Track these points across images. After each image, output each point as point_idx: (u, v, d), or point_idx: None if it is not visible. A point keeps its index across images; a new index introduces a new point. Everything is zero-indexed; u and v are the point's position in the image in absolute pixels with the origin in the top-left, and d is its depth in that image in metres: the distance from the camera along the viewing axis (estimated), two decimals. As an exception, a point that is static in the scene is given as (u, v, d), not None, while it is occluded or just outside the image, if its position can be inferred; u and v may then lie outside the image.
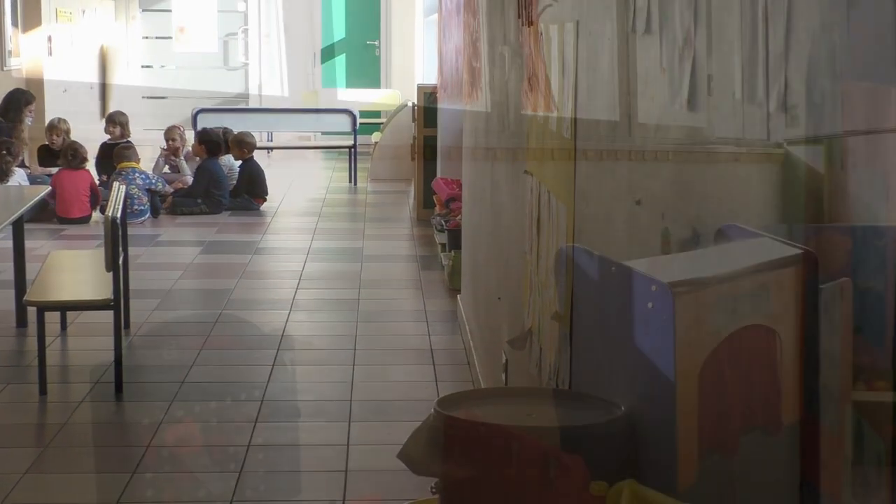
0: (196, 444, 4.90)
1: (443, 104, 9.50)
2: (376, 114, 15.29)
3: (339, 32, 16.64)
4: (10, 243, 6.60)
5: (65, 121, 11.06)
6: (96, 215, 9.81)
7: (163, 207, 10.36)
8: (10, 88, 11.47)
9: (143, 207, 9.99)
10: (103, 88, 15.65)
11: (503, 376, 4.34)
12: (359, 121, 13.20)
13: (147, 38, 16.45)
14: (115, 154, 10.35)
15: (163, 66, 16.54)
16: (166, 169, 11.12)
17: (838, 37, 1.52)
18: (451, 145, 9.25)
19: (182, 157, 11.21)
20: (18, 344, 6.25)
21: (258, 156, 11.36)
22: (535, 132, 3.72)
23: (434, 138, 10.34)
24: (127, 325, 6.26)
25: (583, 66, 2.90)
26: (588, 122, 2.89)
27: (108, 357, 5.57)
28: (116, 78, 15.81)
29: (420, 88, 10.98)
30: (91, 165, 10.52)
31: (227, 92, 16.40)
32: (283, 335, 6.40)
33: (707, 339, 1.87)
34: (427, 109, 10.47)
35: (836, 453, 1.60)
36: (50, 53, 13.60)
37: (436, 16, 10.57)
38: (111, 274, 5.37)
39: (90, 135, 11.63)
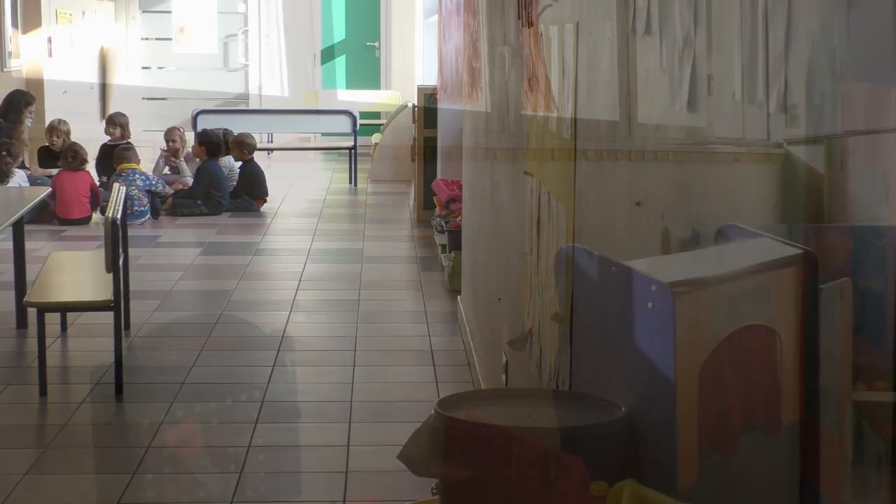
0: (196, 445, 4.90)
1: (443, 104, 9.51)
2: (376, 115, 15.29)
3: (339, 34, 16.64)
4: (10, 244, 6.61)
5: (65, 122, 11.06)
6: (96, 216, 9.81)
7: (163, 209, 10.36)
8: (11, 89, 11.47)
9: (143, 209, 9.99)
10: (103, 89, 15.66)
11: (503, 377, 4.34)
12: (359, 122, 13.20)
13: (147, 39, 16.46)
14: (115, 155, 10.35)
15: (161, 68, 16.54)
16: (166, 170, 11.12)
17: (838, 37, 1.53)
18: (451, 146, 9.25)
19: (182, 159, 11.21)
20: (19, 345, 6.25)
21: (258, 157, 11.36)
22: (535, 133, 3.72)
23: (434, 139, 10.34)
24: (127, 327, 6.26)
25: (583, 67, 2.90)
26: (588, 122, 2.89)
27: (108, 358, 5.57)
28: (116, 79, 15.81)
29: (420, 90, 10.98)
30: (91, 167, 10.52)
31: (227, 93, 16.41)
32: (283, 336, 6.40)
33: (707, 339, 1.87)
34: (427, 111, 10.47)
35: (836, 453, 1.60)
36: (50, 55, 13.60)
37: (436, 17, 10.57)
38: (111, 275, 5.37)
39: (90, 136, 11.63)
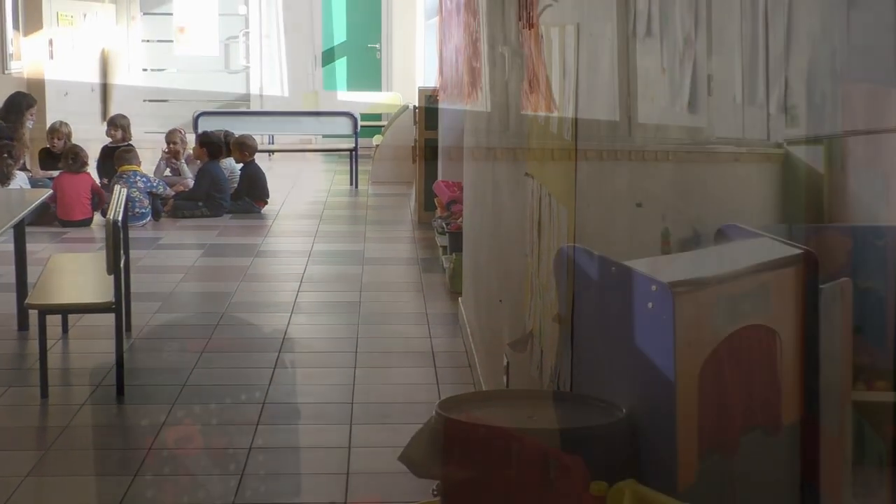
0: (197, 446, 4.90)
1: (443, 105, 9.51)
2: (377, 116, 15.29)
3: (339, 36, 16.65)
4: (11, 246, 6.61)
5: (66, 124, 11.07)
6: (97, 218, 9.82)
7: (164, 210, 10.36)
8: (12, 91, 11.48)
9: (144, 210, 9.99)
10: (104, 91, 15.67)
11: (504, 379, 4.34)
12: (360, 123, 13.21)
13: (148, 41, 16.46)
14: (116, 157, 10.35)
15: (162, 70, 16.54)
16: (167, 172, 11.12)
17: (838, 37, 1.53)
18: (451, 146, 9.25)
19: (183, 161, 11.21)
20: (20, 347, 6.25)
21: (259, 159, 11.36)
22: (536, 133, 3.72)
23: (435, 141, 10.34)
24: (128, 328, 6.26)
25: (584, 68, 2.90)
26: (589, 123, 2.89)
27: (109, 360, 5.57)
28: (117, 81, 15.82)
29: (421, 91, 10.98)
30: (92, 168, 10.53)
31: (228, 95, 16.42)
32: (284, 338, 6.40)
33: (707, 339, 1.87)
34: (428, 112, 10.47)
35: (836, 453, 1.60)
36: (51, 56, 13.62)
37: (436, 19, 10.57)
38: (112, 277, 5.37)
39: (91, 137, 11.63)
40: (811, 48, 1.60)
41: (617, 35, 2.55)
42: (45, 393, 5.29)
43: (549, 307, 3.25)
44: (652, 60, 2.27)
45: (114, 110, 13.92)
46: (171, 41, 16.18)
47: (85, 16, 14.90)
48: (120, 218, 5.59)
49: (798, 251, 1.68)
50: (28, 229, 6.92)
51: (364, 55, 16.63)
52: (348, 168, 12.97)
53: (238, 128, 11.74)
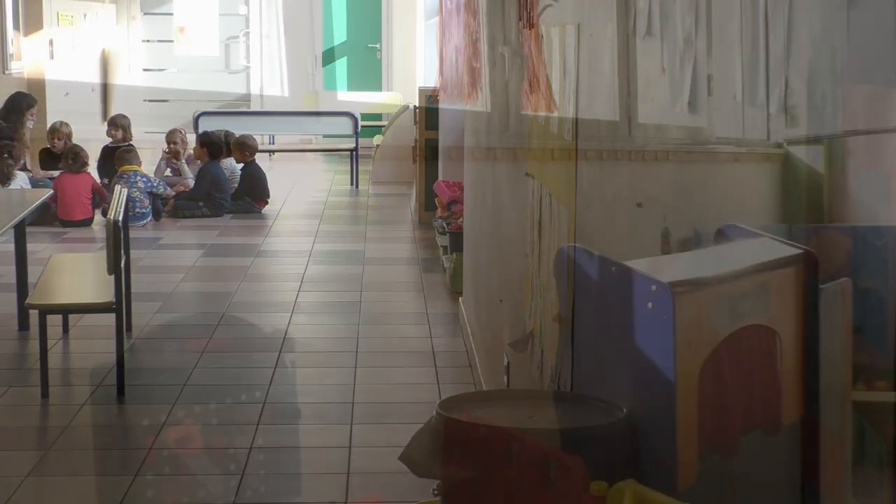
0: (198, 446, 4.90)
1: (443, 105, 9.51)
2: (377, 116, 15.29)
3: (340, 36, 16.65)
4: (11, 246, 6.61)
5: (66, 124, 11.07)
6: (98, 218, 9.82)
7: (164, 210, 10.36)
8: (12, 91, 11.48)
9: (144, 210, 9.99)
10: (105, 91, 15.68)
11: (505, 378, 4.34)
12: (360, 123, 13.21)
13: (148, 41, 16.47)
14: (116, 157, 10.35)
15: (163, 70, 16.55)
16: (168, 172, 11.13)
17: (838, 38, 1.53)
18: (452, 146, 9.25)
19: (183, 161, 11.22)
20: (20, 347, 6.25)
21: (260, 159, 11.37)
22: (537, 133, 3.72)
23: (435, 141, 10.34)
24: (129, 328, 6.26)
25: (584, 68, 2.90)
26: (589, 123, 2.89)
27: (109, 360, 5.57)
28: (118, 81, 15.83)
29: (421, 91, 10.98)
30: (93, 168, 10.53)
31: (228, 95, 16.42)
32: (284, 338, 6.40)
33: (707, 339, 1.87)
34: (428, 112, 10.47)
35: (837, 453, 1.60)
36: (51, 56, 13.62)
37: (437, 19, 10.57)
38: (113, 277, 5.37)
39: (92, 138, 11.64)
40: (811, 48, 1.60)
41: (617, 35, 2.55)
42: (45, 393, 5.29)
43: (549, 307, 3.25)
44: (652, 60, 2.27)
45: (114, 110, 13.93)
46: (172, 41, 16.18)
47: (85, 16, 14.90)
48: (120, 218, 5.59)
49: (798, 251, 1.68)
50: (28, 229, 6.92)
51: (364, 55, 16.64)
52: (349, 168, 12.97)
53: (238, 128, 11.74)
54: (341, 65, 16.71)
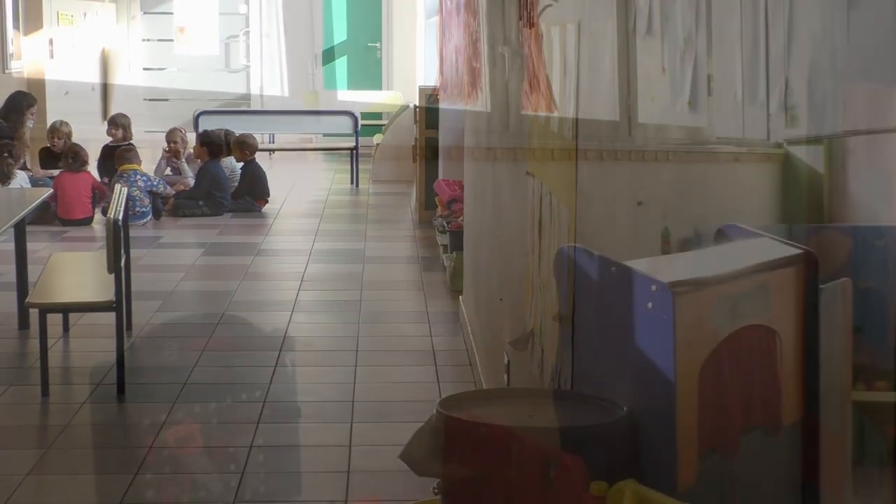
0: (198, 445, 4.90)
1: (443, 104, 9.51)
2: (378, 115, 15.29)
3: (340, 35, 16.64)
4: (11, 245, 6.61)
5: (66, 123, 11.07)
6: (98, 217, 9.82)
7: (164, 209, 10.37)
8: (12, 91, 11.48)
9: (144, 209, 10.00)
10: (105, 90, 15.67)
11: (505, 377, 4.34)
12: (360, 122, 13.20)
13: (148, 40, 16.47)
14: (116, 156, 10.35)
15: (163, 69, 16.55)
16: (168, 171, 11.13)
17: (839, 37, 1.53)
18: (452, 146, 9.25)
19: (184, 160, 11.22)
20: (20, 346, 6.25)
21: (260, 157, 11.37)
22: (537, 133, 3.72)
23: (435, 140, 10.34)
24: (129, 327, 6.27)
25: (584, 67, 2.90)
26: (590, 122, 2.89)
27: (110, 358, 5.57)
28: (118, 80, 15.83)
29: (421, 90, 10.98)
30: (93, 168, 10.53)
31: (228, 94, 16.42)
32: (285, 336, 6.40)
33: (707, 339, 1.87)
34: (428, 111, 10.47)
35: (837, 453, 1.61)
36: (51, 56, 13.62)
37: (437, 17, 10.57)
38: (113, 276, 5.37)
39: (92, 137, 11.64)
40: (812, 48, 1.60)
41: (617, 34, 2.55)
42: (45, 391, 5.30)
43: (549, 306, 3.25)
44: (652, 60, 2.27)
45: (114, 109, 13.92)
46: (172, 40, 16.18)
47: (85, 15, 14.90)
48: (120, 217, 5.59)
49: (798, 251, 1.68)
50: (28, 228, 6.92)
51: (364, 54, 16.63)
52: (349, 167, 12.97)
53: (238, 127, 11.75)
54: (341, 64, 16.71)
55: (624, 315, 2.13)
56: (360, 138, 13.05)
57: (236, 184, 10.85)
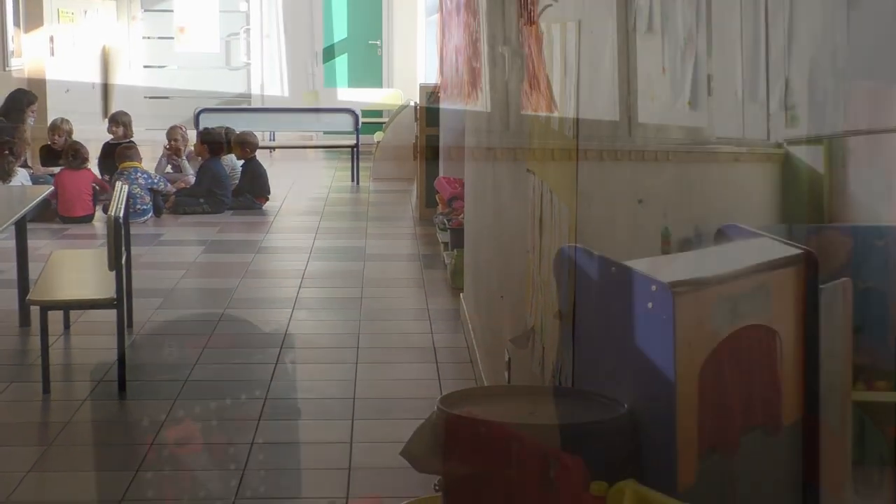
0: (199, 442, 4.91)
1: (444, 104, 9.51)
2: (378, 113, 15.29)
3: (340, 32, 16.64)
4: (12, 243, 6.61)
5: (67, 121, 11.08)
6: (99, 214, 9.83)
7: (165, 207, 10.37)
8: (13, 89, 11.48)
9: (145, 207, 10.00)
10: (105, 88, 15.67)
11: (506, 374, 4.35)
12: (361, 120, 13.20)
13: (149, 38, 16.46)
14: (117, 154, 10.36)
15: (163, 67, 16.54)
16: (169, 168, 11.13)
17: (839, 37, 1.53)
18: (452, 145, 9.26)
19: (184, 157, 11.22)
20: (21, 343, 6.26)
21: (260, 155, 11.37)
22: (538, 132, 3.73)
23: (436, 138, 10.34)
24: (130, 324, 6.27)
25: (585, 66, 2.91)
26: (590, 121, 2.90)
27: (111, 356, 5.57)
28: (118, 78, 15.83)
29: (422, 88, 10.98)
30: (94, 165, 10.54)
31: (228, 92, 16.41)
32: (285, 334, 6.41)
33: (707, 339, 1.87)
34: (429, 109, 10.47)
35: (837, 453, 1.61)
36: (52, 54, 13.62)
37: (437, 15, 10.57)
38: (114, 273, 5.37)
39: (92, 135, 11.64)
40: (812, 47, 1.61)
41: (617, 33, 2.55)
42: (46, 389, 5.30)
43: (550, 304, 3.26)
44: (653, 59, 2.27)
45: (115, 107, 13.93)
46: (172, 38, 16.18)
47: (86, 13, 14.90)
48: (121, 214, 5.60)
49: (798, 251, 1.68)
50: (29, 226, 6.93)
51: (365, 52, 16.63)
52: (349, 165, 12.98)
53: (239, 124, 11.75)
54: (342, 62, 16.71)
55: (624, 315, 2.14)
56: (360, 136, 13.06)
57: (237, 181, 10.85)
